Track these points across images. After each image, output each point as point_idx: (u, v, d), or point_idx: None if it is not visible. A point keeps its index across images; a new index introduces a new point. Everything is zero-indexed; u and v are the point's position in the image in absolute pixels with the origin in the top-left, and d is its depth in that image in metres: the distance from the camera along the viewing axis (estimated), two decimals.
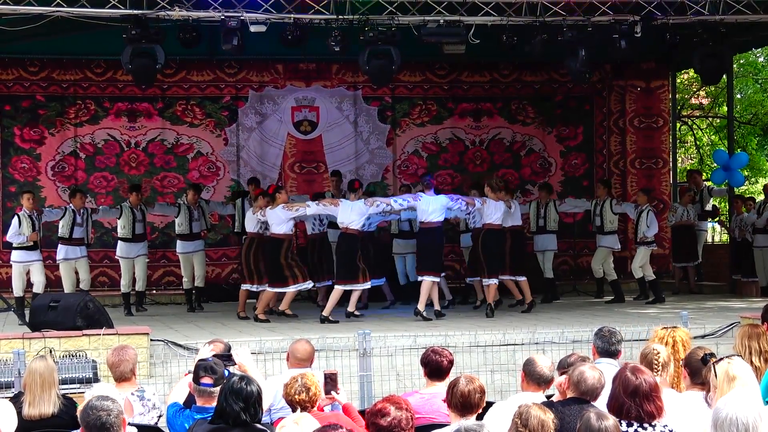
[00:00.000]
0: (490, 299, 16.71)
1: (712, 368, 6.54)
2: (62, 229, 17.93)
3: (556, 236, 19.54)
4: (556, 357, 11.17)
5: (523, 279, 17.54)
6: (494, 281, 16.77)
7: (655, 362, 7.36)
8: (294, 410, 7.37)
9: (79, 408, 6.46)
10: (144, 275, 18.60)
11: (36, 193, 19.93)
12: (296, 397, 7.39)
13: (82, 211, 18.03)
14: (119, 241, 18.46)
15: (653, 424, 6.18)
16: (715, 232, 29.37)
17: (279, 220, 16.38)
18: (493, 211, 16.76)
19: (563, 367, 7.60)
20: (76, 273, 18.06)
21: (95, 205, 19.45)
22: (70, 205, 18.13)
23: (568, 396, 7.01)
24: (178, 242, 18.86)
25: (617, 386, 6.28)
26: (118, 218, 18.46)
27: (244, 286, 17.13)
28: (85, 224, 18.08)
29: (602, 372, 7.01)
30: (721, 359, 6.56)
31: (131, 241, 18.30)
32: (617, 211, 19.43)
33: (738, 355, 6.82)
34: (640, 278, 19.19)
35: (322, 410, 7.66)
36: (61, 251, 17.98)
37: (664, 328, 8.28)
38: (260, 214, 16.68)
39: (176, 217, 18.77)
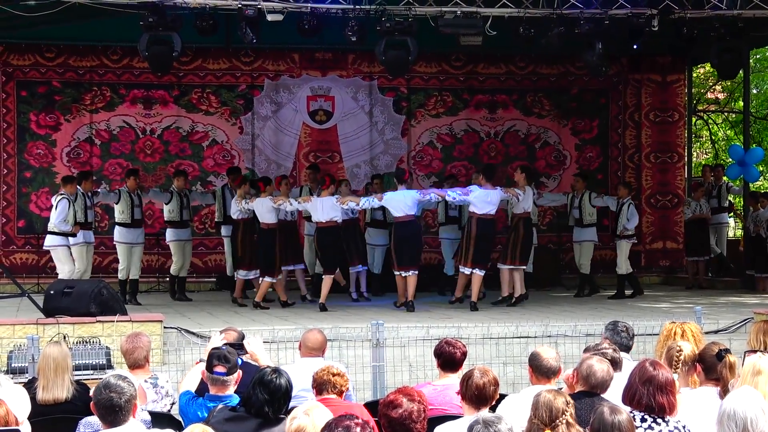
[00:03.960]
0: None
1: (742, 358, 6.57)
2: (122, 214, 17.89)
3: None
4: (569, 350, 11.25)
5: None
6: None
7: (676, 359, 7.35)
8: (320, 392, 7.42)
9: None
10: (139, 263, 18.15)
11: (50, 179, 20.01)
12: (327, 377, 7.43)
13: (137, 193, 18.03)
14: (118, 227, 18.00)
15: (666, 419, 6.20)
16: (729, 227, 29.28)
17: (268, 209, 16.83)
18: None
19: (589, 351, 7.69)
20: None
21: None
22: (125, 187, 18.07)
23: (577, 390, 7.03)
24: (169, 230, 18.59)
25: (634, 374, 6.35)
26: (167, 203, 18.44)
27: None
28: (140, 206, 18.10)
29: (610, 364, 7.05)
30: (754, 351, 6.59)
31: (130, 227, 17.93)
32: (597, 204, 19.11)
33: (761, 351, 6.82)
34: (623, 275, 18.88)
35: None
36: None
37: (672, 322, 8.29)
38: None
39: (167, 204, 18.53)
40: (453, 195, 16.66)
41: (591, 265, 19.19)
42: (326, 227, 16.55)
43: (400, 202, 16.30)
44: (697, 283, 20.46)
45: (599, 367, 6.91)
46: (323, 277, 16.71)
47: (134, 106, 20.83)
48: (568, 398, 5.96)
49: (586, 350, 7.81)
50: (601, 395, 6.87)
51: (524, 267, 17.29)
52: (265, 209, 16.75)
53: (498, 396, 6.97)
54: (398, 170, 17.98)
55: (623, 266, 18.79)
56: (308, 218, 18.25)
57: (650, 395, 6.20)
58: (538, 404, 5.86)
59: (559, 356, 7.65)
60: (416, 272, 16.34)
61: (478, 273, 16.42)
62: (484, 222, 16.45)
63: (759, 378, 6.35)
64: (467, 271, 16.44)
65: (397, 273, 16.49)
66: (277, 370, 6.74)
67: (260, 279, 16.90)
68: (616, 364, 7.43)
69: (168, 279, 19.14)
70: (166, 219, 18.70)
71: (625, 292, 18.60)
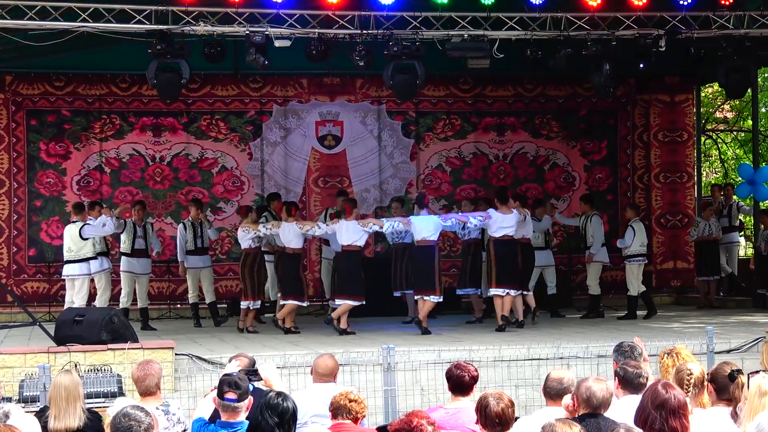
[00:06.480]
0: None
1: (746, 380, 6.52)
2: (124, 244, 18.08)
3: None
4: (581, 372, 11.21)
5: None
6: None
7: (687, 382, 7.32)
8: (336, 416, 7.44)
9: (111, 416, 6.48)
10: (146, 293, 18.33)
11: (61, 208, 20.04)
12: (344, 402, 7.43)
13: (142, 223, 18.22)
14: (122, 256, 18.16)
15: None
16: (740, 247, 29.20)
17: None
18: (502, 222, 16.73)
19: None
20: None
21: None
22: (132, 218, 18.13)
23: (580, 413, 7.00)
24: (187, 257, 18.48)
25: (647, 398, 6.29)
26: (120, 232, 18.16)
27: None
28: (144, 237, 18.21)
29: (607, 382, 7.04)
30: (757, 372, 6.54)
31: (132, 257, 18.07)
32: (569, 223, 19.72)
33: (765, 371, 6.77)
34: (639, 294, 18.80)
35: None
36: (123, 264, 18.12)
37: (668, 355, 8.15)
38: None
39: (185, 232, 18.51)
40: (474, 222, 16.76)
41: (600, 287, 19.09)
42: (347, 251, 16.55)
43: (424, 227, 16.36)
44: (709, 303, 20.38)
45: (598, 387, 6.90)
46: (344, 302, 16.39)
47: (143, 133, 20.89)
48: (579, 427, 5.93)
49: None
50: (603, 414, 6.86)
51: (526, 291, 17.22)
52: (293, 234, 16.71)
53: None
54: (420, 195, 18.01)
55: (632, 287, 18.77)
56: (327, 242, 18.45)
57: (663, 420, 6.14)
58: None
59: (571, 378, 7.60)
60: (436, 298, 16.33)
61: (511, 293, 16.45)
62: (502, 243, 16.49)
63: (766, 399, 6.30)
64: (499, 292, 16.44)
65: (417, 297, 16.46)
66: (281, 394, 6.76)
67: (284, 301, 16.99)
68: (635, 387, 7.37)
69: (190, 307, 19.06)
70: (186, 248, 18.58)
71: (637, 313, 18.54)
